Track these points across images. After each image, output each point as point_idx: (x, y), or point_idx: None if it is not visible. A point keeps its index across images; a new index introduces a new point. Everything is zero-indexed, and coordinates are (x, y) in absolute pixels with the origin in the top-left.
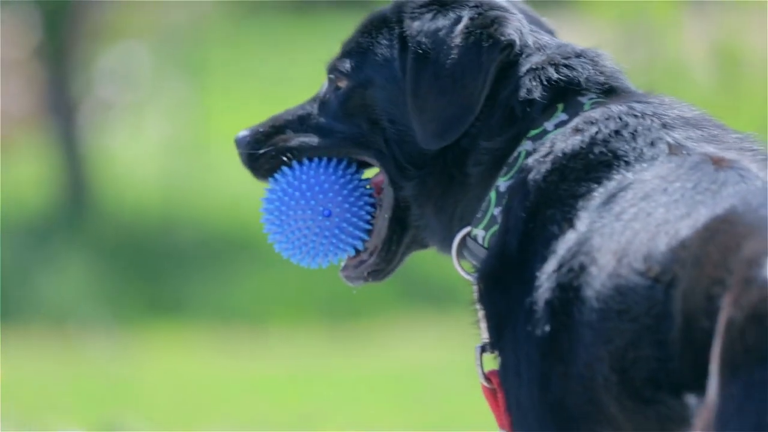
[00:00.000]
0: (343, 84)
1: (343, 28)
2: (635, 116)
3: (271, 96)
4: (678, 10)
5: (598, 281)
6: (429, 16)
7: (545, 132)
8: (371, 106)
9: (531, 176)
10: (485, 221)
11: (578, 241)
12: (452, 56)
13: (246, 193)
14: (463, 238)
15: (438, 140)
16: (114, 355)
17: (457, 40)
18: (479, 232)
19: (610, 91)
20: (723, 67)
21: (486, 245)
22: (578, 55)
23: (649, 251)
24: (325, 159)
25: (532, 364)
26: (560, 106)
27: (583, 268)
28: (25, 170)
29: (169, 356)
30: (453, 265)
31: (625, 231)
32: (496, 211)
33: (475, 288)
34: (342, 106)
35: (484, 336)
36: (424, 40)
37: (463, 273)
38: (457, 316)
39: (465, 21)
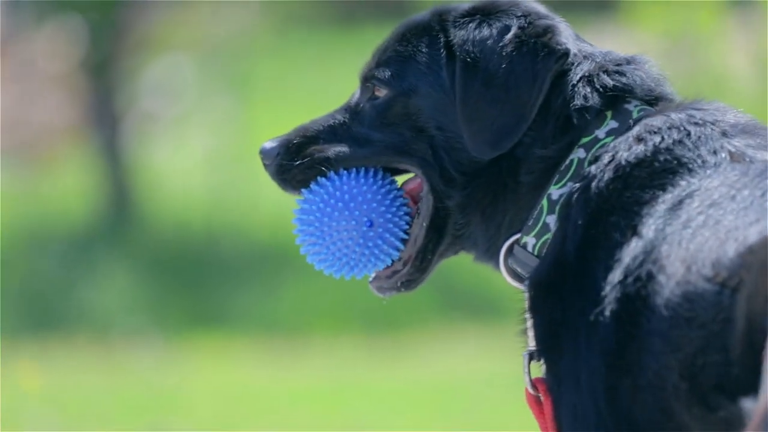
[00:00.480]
0: (381, 93)
1: None
2: (696, 124)
3: (315, 109)
4: (722, 20)
5: (666, 289)
6: (473, 25)
7: (597, 140)
8: (415, 114)
9: (593, 184)
10: (536, 229)
11: (644, 249)
12: (504, 65)
13: (288, 205)
14: (510, 246)
15: (491, 149)
16: (157, 365)
17: (509, 49)
18: (530, 240)
19: (657, 99)
20: (765, 77)
21: (536, 253)
22: (628, 62)
23: (718, 257)
24: (362, 169)
25: (596, 376)
26: (609, 114)
27: (650, 276)
28: (69, 182)
29: (211, 366)
30: (492, 275)
31: (693, 238)
32: (549, 219)
33: (525, 296)
34: (381, 115)
35: (532, 344)
36: (471, 48)
37: (510, 281)
38: (497, 327)
39: (515, 30)
